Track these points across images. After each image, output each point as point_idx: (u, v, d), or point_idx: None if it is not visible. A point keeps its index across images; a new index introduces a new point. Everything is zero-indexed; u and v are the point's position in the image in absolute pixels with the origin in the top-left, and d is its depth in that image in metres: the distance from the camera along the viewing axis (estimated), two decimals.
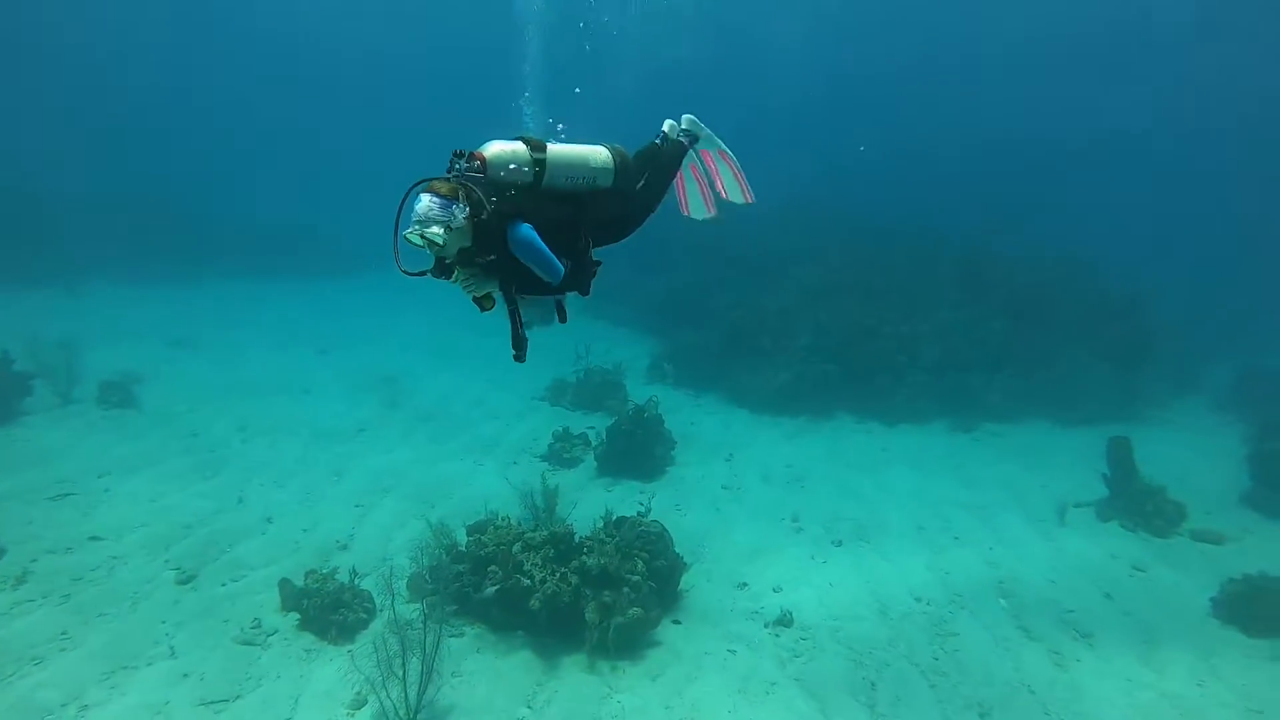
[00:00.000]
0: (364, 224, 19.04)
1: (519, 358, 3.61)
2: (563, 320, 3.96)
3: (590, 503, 9.11)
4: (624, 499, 9.42)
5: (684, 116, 4.88)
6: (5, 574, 7.09)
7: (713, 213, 5.21)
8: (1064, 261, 17.81)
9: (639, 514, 7.61)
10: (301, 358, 14.63)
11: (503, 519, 7.58)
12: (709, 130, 5.00)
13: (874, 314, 14.57)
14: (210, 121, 44.05)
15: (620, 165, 4.00)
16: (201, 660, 6.32)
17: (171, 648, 6.43)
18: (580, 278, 3.84)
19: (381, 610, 7.07)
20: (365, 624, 6.92)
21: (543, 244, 3.45)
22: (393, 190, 3.58)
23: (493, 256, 3.43)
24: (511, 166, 3.58)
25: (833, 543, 8.77)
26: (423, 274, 3.46)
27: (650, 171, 4.47)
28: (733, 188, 5.22)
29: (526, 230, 3.43)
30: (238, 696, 6.00)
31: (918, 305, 15.23)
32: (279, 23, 47.67)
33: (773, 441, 11.95)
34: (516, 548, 6.96)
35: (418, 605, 7.10)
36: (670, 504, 9.26)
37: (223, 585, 7.36)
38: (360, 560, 7.70)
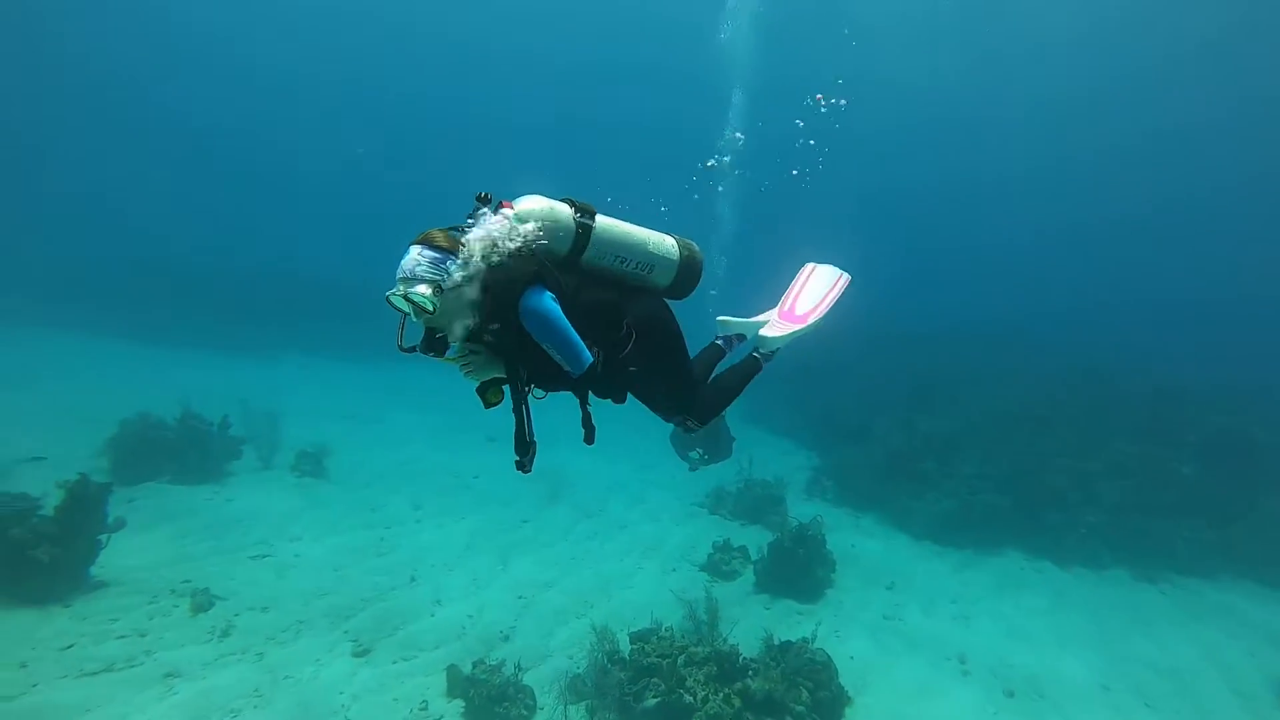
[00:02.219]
0: None
1: (522, 465, 2.96)
2: (589, 441, 3.15)
3: (750, 620, 8.97)
4: (783, 619, 9.22)
5: (764, 330, 4.27)
6: (214, 626, 7.71)
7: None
8: (1266, 399, 16.47)
9: (804, 640, 7.44)
10: (472, 443, 15.31)
11: (666, 629, 7.59)
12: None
13: (1046, 446, 13.88)
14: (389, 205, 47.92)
15: (686, 267, 3.37)
16: None
17: (347, 719, 6.76)
18: (614, 380, 3.16)
19: (542, 709, 7.18)
20: None
21: (565, 321, 2.79)
22: None
23: (496, 326, 2.81)
24: (546, 225, 2.93)
25: (1005, 692, 8.21)
26: (413, 350, 2.83)
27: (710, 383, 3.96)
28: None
29: (546, 300, 2.77)
30: None
31: (1094, 439, 14.39)
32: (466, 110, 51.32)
33: (936, 572, 11.42)
34: (681, 660, 6.94)
35: (577, 707, 7.18)
36: (829, 630, 8.97)
37: (394, 663, 7.68)
38: (522, 653, 7.84)
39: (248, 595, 8.41)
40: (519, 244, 2.81)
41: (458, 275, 2.64)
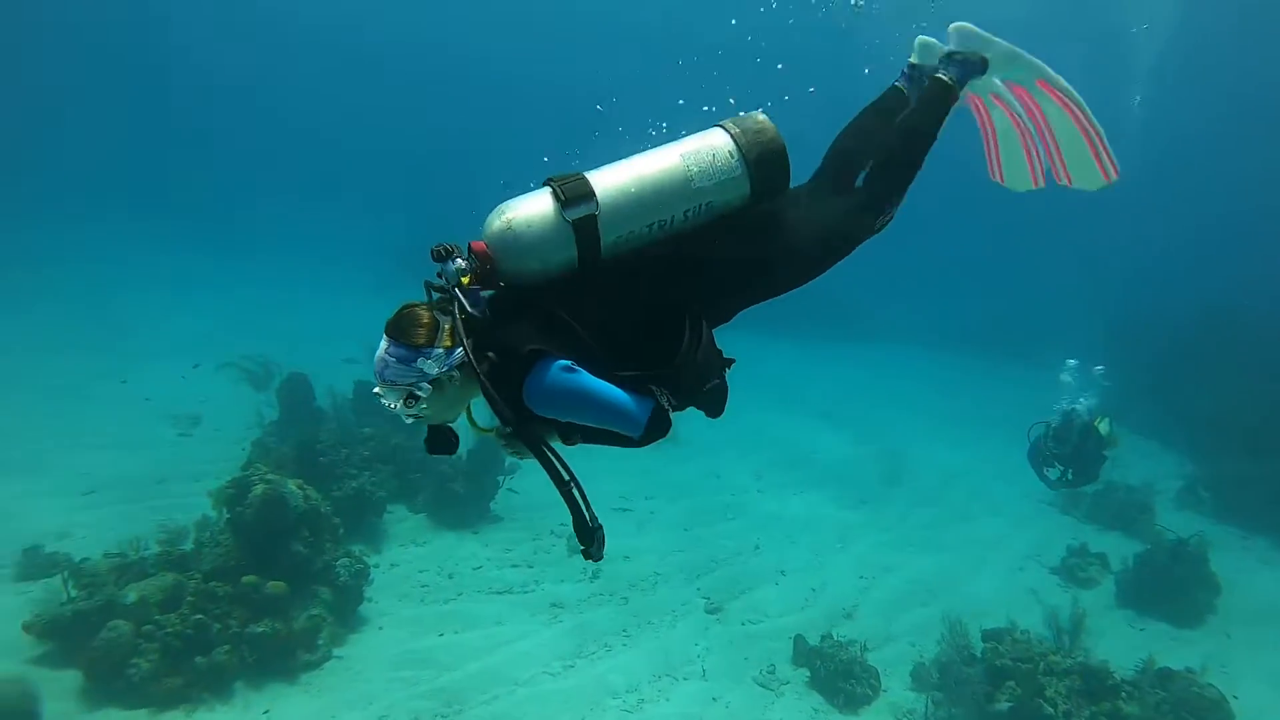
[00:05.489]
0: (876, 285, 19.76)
1: (590, 555, 2.28)
2: (714, 415, 2.43)
3: (1112, 636, 8.28)
4: (1153, 642, 8.33)
5: (954, 26, 2.91)
6: (586, 567, 8.71)
7: (1040, 184, 3.32)
8: None
9: (1189, 670, 6.75)
10: (805, 420, 15.48)
11: (1022, 632, 7.29)
12: (1012, 48, 2.93)
13: None
14: None
15: (761, 167, 2.33)
16: (726, 689, 7.11)
17: (704, 669, 7.34)
18: (697, 401, 2.33)
19: (885, 691, 7.28)
20: (869, 700, 7.16)
21: (592, 386, 2.10)
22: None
23: (510, 430, 2.15)
24: (535, 248, 2.16)
25: None
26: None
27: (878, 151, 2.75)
28: (1076, 158, 3.11)
29: (552, 378, 2.07)
30: None
31: None
32: None
33: None
34: (1040, 668, 6.64)
35: (921, 696, 7.17)
36: (1216, 665, 7.97)
37: (742, 624, 8.18)
38: (864, 633, 7.95)
39: (612, 544, 9.20)
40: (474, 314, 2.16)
41: (434, 372, 2.08)
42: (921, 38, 2.95)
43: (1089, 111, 2.99)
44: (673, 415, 2.29)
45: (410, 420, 2.17)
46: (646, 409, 2.15)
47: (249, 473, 7.22)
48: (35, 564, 7.14)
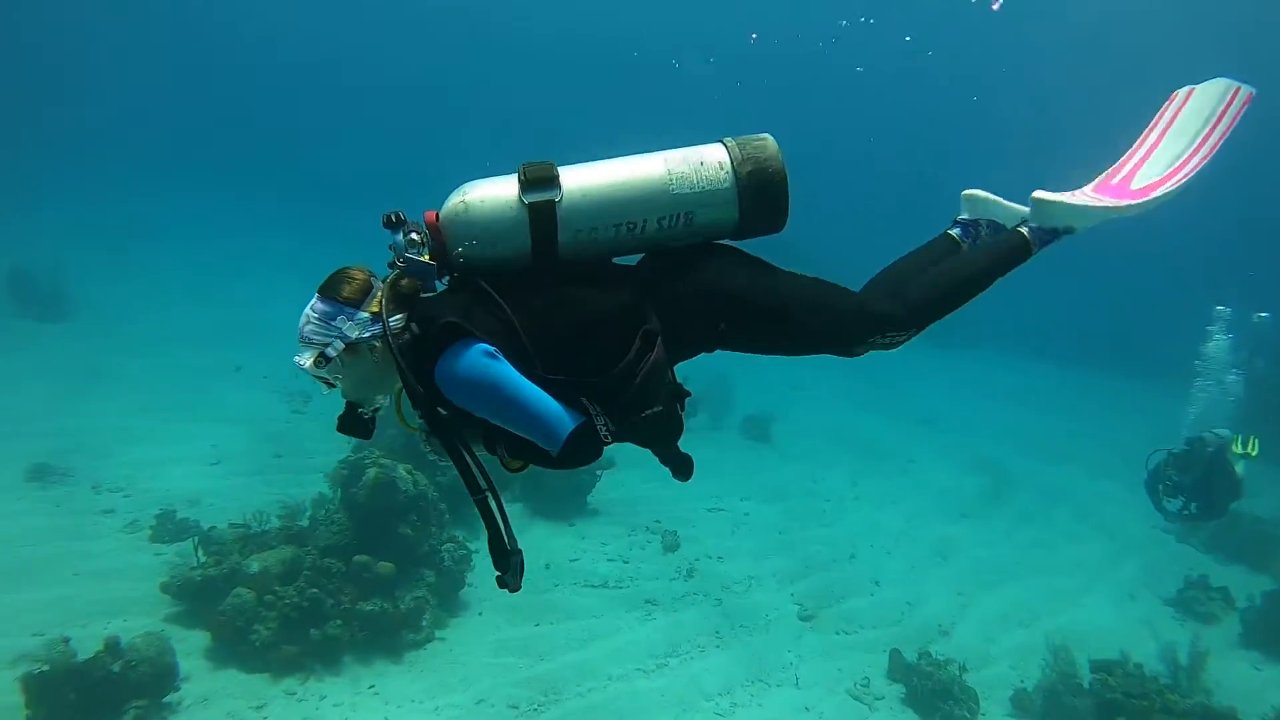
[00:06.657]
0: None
1: (506, 584, 2.02)
2: (683, 477, 2.25)
3: (1234, 678, 7.80)
4: None
5: (1041, 198, 2.50)
6: (680, 566, 8.79)
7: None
8: None
9: None
10: (905, 426, 15.14)
11: (1135, 666, 6.97)
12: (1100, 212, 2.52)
13: None
14: None
15: (754, 188, 2.12)
16: (820, 699, 7.04)
17: (796, 677, 7.28)
18: (637, 430, 2.05)
19: (984, 715, 7.07)
20: None
21: (514, 380, 1.89)
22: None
23: (420, 413, 1.96)
24: (485, 227, 2.02)
25: None
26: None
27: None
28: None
29: (469, 360, 1.87)
30: None
31: None
32: None
33: None
34: (1157, 705, 6.34)
35: None
36: None
37: (836, 633, 8.07)
38: (961, 653, 7.71)
39: (707, 544, 9.39)
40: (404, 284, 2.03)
41: (352, 336, 1.94)
42: (967, 192, 2.69)
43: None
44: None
45: (325, 391, 2.02)
46: (572, 424, 1.91)
47: (362, 455, 7.52)
48: (168, 528, 7.65)
